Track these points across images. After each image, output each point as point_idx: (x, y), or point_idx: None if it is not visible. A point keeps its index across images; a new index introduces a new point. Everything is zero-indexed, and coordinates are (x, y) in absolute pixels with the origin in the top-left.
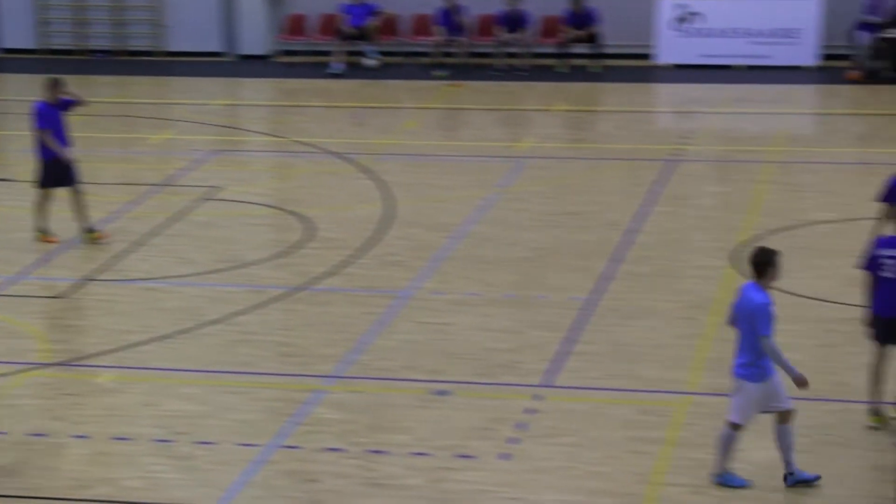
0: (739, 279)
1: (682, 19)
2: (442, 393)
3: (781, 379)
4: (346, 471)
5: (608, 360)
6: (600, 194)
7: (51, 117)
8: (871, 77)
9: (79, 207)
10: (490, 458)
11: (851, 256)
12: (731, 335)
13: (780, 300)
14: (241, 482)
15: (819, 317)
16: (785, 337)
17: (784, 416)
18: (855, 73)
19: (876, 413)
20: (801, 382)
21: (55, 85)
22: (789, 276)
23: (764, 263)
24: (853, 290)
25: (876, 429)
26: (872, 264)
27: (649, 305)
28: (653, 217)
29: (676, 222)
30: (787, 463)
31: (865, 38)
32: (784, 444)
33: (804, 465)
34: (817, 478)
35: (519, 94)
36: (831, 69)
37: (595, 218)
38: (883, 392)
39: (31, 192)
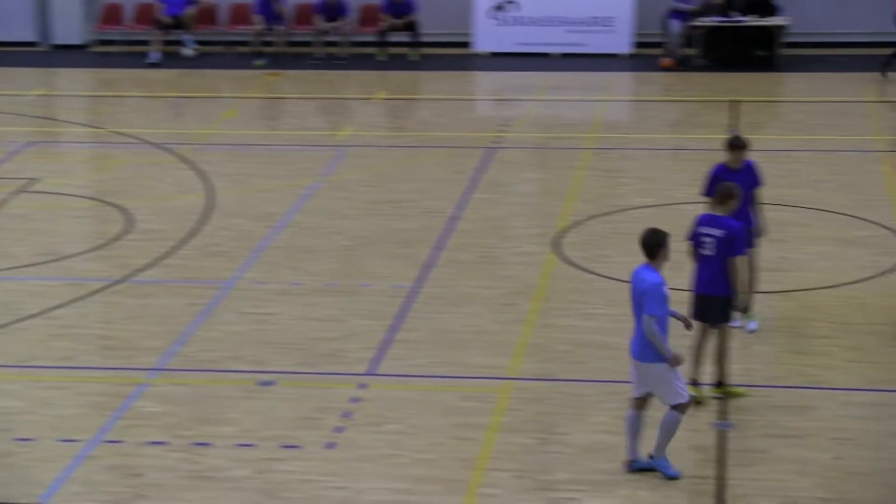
0: (559, 264)
1: (498, 7)
2: (266, 383)
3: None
4: (171, 464)
5: (431, 347)
6: (421, 182)
7: None
8: (683, 64)
9: None
10: (316, 448)
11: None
12: (552, 320)
13: (601, 285)
14: (62, 478)
15: None
16: (605, 322)
17: (641, 403)
18: (667, 61)
19: (693, 384)
20: (676, 362)
21: None
22: (608, 261)
23: (655, 245)
24: (672, 273)
25: (697, 401)
26: (694, 241)
27: (471, 292)
28: (473, 204)
29: (497, 209)
30: (632, 450)
31: (677, 26)
32: (633, 430)
33: (622, 447)
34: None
35: (338, 83)
36: (645, 57)
37: (416, 206)
38: (700, 372)
39: None
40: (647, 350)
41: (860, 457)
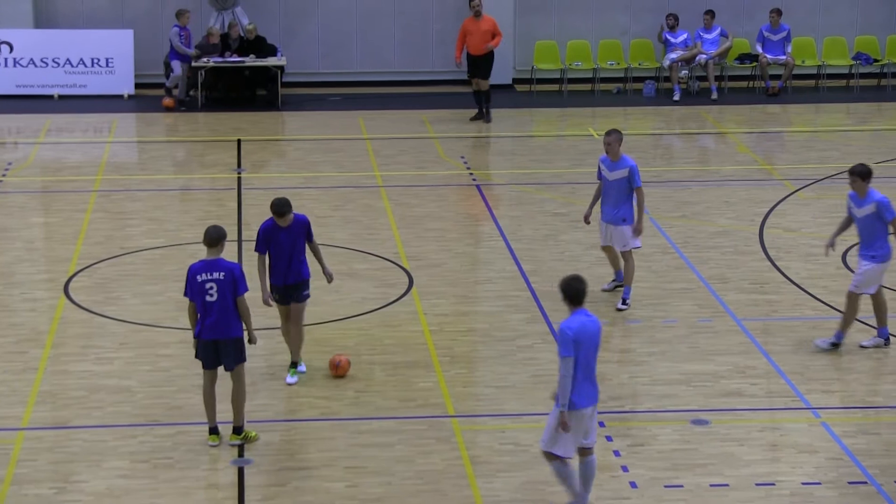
0: (70, 309)
1: None
2: None
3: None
4: None
5: None
6: None
7: None
8: (185, 104)
9: None
10: None
11: (178, 280)
12: (65, 366)
13: (113, 328)
14: None
15: (151, 341)
16: (119, 365)
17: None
18: (169, 101)
19: (213, 432)
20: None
21: None
22: (119, 303)
23: (583, 292)
24: (181, 313)
25: (215, 447)
26: (192, 291)
27: None
28: None
29: (3, 255)
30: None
31: (178, 66)
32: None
33: (139, 490)
34: None
35: None
36: (146, 97)
37: None
38: (215, 413)
39: None
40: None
41: (373, 483)
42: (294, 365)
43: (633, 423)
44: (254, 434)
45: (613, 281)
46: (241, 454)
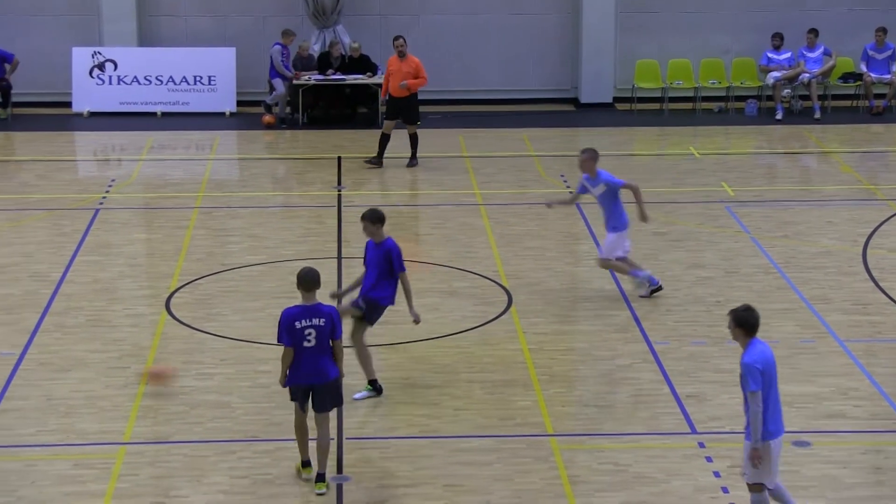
0: (171, 325)
1: (98, 67)
2: None
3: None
4: None
5: (41, 414)
6: (24, 246)
7: None
8: (286, 122)
9: None
10: None
11: (278, 297)
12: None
13: (214, 344)
14: None
15: (250, 357)
16: (220, 381)
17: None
18: (270, 118)
19: (307, 465)
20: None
21: None
22: (220, 319)
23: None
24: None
25: (309, 479)
26: (290, 338)
27: (81, 356)
28: (81, 267)
29: (105, 271)
30: None
31: (280, 85)
32: None
33: None
34: None
35: None
36: (248, 115)
37: (20, 270)
38: (307, 447)
39: None
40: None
41: (471, 501)
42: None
43: (733, 443)
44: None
45: (649, 287)
46: (339, 471)
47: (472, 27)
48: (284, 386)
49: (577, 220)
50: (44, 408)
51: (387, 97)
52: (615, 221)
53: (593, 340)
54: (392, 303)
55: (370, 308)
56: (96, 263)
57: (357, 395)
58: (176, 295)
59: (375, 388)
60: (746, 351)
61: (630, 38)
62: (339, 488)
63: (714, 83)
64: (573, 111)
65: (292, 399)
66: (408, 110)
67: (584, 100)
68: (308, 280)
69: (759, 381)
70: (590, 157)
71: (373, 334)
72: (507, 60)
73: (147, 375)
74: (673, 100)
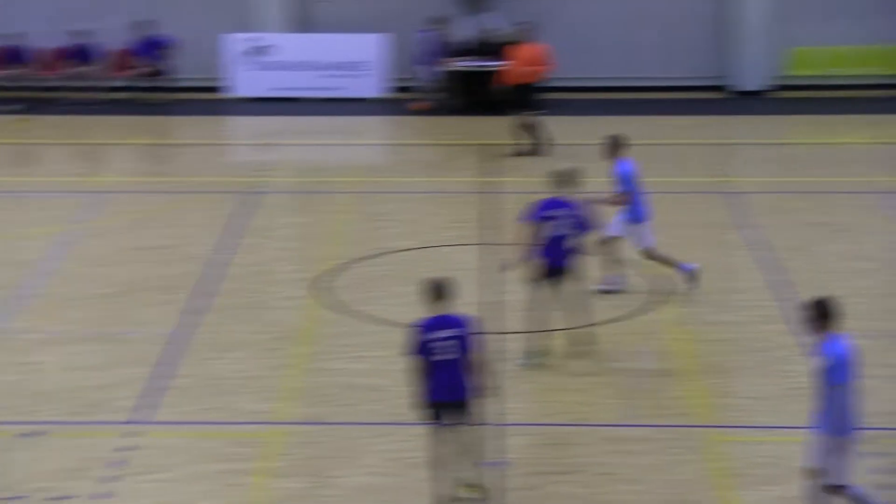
0: (326, 308)
1: (253, 52)
2: (33, 434)
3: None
4: None
5: (200, 393)
6: (182, 228)
7: None
8: (436, 108)
9: None
10: (84, 499)
11: None
12: (321, 364)
13: (368, 328)
14: None
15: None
16: (374, 364)
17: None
18: (419, 104)
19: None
20: None
21: None
22: (374, 304)
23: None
24: None
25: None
26: (420, 350)
27: (238, 338)
28: (236, 249)
29: (260, 254)
30: None
31: (429, 71)
32: None
33: (393, 489)
34: None
35: (93, 128)
36: (399, 101)
37: (178, 251)
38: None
39: None
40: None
41: (624, 490)
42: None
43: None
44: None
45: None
46: (495, 457)
47: (622, 14)
48: (415, 405)
49: (730, 209)
50: (202, 386)
51: (517, 84)
52: (633, 213)
53: (748, 332)
54: None
55: None
56: (252, 246)
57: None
58: (330, 278)
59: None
60: (830, 343)
61: (788, 25)
62: (496, 474)
63: (871, 70)
64: (727, 98)
65: (430, 418)
66: (532, 97)
67: (739, 87)
68: (439, 291)
69: (845, 375)
70: (610, 144)
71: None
72: (658, 48)
73: None
74: (832, 87)
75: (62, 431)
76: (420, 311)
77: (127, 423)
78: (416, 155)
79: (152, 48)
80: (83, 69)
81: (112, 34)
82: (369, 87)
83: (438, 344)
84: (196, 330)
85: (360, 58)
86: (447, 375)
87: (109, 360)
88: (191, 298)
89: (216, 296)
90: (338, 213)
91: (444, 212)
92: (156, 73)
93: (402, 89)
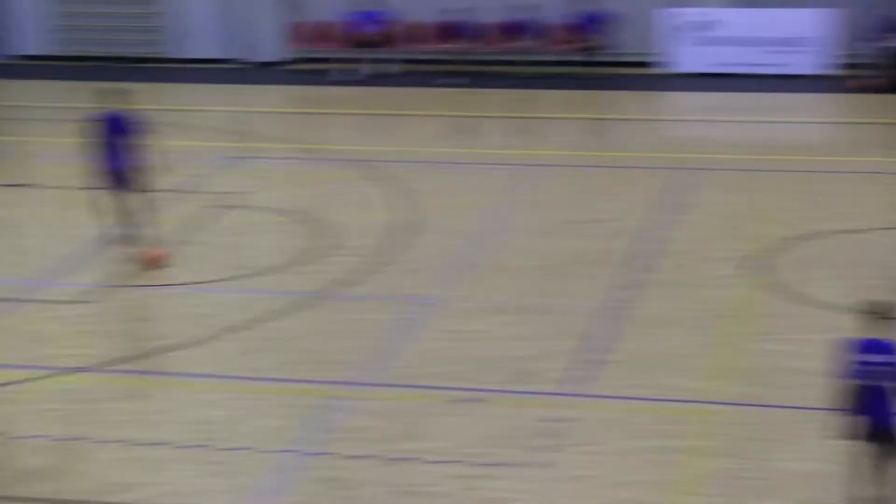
0: (755, 289)
1: (697, 27)
2: (469, 401)
3: None
4: (377, 478)
5: (634, 368)
6: (619, 202)
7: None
8: (883, 86)
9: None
10: (517, 467)
11: (873, 267)
12: (757, 344)
13: (806, 310)
14: (270, 489)
15: (834, 326)
16: (812, 348)
17: None
18: (862, 82)
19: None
20: None
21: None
22: (812, 286)
23: None
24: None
25: None
26: (856, 371)
27: (670, 314)
28: (670, 225)
29: (694, 231)
30: None
31: (874, 47)
32: None
33: (826, 475)
34: None
35: (531, 102)
36: (837, 77)
37: (614, 226)
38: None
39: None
40: None
41: None
42: None
43: None
44: None
45: None
46: None
47: None
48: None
49: None
50: (633, 361)
51: None
52: None
53: None
54: None
55: None
56: (686, 223)
57: None
58: (764, 258)
59: None
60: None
61: None
62: None
63: None
64: None
65: (862, 441)
66: None
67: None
68: (882, 311)
69: None
70: None
71: None
72: None
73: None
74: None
75: (494, 399)
76: (856, 298)
77: (556, 394)
78: (856, 134)
79: (594, 23)
80: (524, 44)
81: (553, 9)
82: (810, 63)
83: (871, 368)
84: (627, 305)
85: (802, 33)
86: (876, 402)
87: (538, 332)
88: (619, 273)
89: (648, 271)
90: (773, 192)
91: (887, 193)
92: (596, 48)
93: (844, 66)
